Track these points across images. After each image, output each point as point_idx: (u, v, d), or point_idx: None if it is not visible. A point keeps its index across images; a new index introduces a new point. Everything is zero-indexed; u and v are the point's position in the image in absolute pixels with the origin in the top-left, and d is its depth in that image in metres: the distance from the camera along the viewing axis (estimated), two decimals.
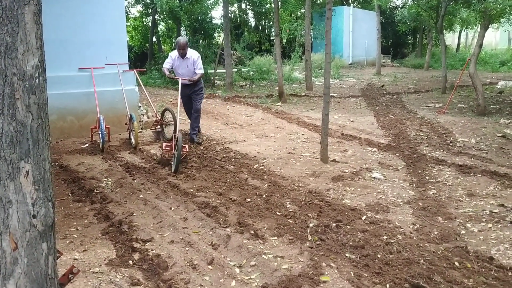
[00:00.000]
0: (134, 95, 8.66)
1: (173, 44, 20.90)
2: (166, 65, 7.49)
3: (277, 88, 13.42)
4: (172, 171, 5.97)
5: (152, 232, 4.17)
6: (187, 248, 3.86)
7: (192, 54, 7.46)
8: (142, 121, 8.93)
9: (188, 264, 3.58)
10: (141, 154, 7.03)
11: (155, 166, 6.30)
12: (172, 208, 4.78)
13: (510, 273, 3.40)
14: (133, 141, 7.42)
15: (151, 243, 3.95)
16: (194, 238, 4.01)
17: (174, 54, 7.51)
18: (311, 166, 6.30)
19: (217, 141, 7.89)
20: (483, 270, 3.46)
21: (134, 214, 4.59)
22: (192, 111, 7.74)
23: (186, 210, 4.71)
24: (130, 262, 3.61)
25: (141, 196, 5.14)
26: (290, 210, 4.68)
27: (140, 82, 8.63)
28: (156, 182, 5.63)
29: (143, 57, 20.51)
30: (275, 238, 4.04)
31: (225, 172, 6.03)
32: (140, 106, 9.27)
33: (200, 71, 7.46)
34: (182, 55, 7.36)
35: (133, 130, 7.36)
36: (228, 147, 7.43)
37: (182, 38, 7.41)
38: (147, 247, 3.87)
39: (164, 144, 6.38)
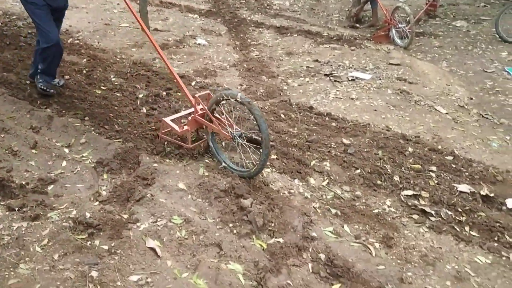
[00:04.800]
0: None
1: None
2: None
3: None
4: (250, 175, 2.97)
5: None
6: (2, 135, 3.41)
7: None
8: None
9: (6, 151, 3.18)
10: None
11: None
12: None
13: (327, 118, 3.81)
14: None
15: None
16: (9, 124, 3.55)
17: None
18: (132, 36, 5.91)
19: (18, 16, 6.79)
20: (305, 118, 3.80)
21: None
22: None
23: None
24: None
25: None
26: (116, 83, 4.40)
27: None
28: None
29: None
30: None
31: (32, 50, 5.30)
32: None
33: None
34: None
35: None
36: (31, 22, 6.47)
37: None
38: None
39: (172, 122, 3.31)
